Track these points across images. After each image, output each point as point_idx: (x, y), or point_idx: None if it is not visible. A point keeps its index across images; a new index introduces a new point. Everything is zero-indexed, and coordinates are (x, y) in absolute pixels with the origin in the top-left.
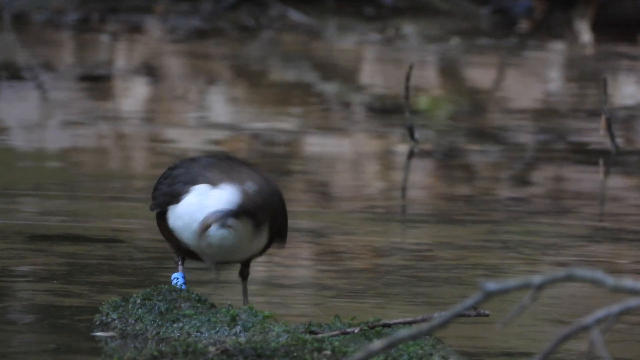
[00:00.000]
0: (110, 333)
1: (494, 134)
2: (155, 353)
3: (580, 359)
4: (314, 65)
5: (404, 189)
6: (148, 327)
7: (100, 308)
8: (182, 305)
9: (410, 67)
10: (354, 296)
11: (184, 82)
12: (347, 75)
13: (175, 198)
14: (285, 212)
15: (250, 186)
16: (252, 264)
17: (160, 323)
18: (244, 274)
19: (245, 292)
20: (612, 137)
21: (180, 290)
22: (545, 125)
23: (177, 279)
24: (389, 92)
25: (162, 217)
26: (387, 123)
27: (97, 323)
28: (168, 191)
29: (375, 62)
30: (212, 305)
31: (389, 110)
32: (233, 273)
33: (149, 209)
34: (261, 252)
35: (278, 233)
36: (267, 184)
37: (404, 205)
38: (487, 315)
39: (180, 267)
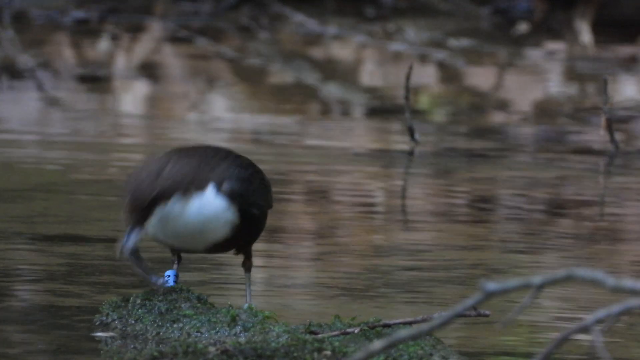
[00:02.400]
0: (110, 333)
1: (494, 134)
2: (155, 353)
3: (581, 359)
4: (313, 65)
5: (403, 189)
6: (148, 328)
7: (100, 308)
8: (182, 305)
9: (410, 67)
10: (354, 296)
11: (184, 82)
12: (347, 76)
13: None
14: (257, 187)
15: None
16: (252, 265)
17: (160, 323)
18: (247, 266)
19: (248, 286)
20: (612, 137)
21: (181, 290)
22: (545, 125)
23: (169, 276)
24: (389, 92)
25: None
26: (387, 123)
27: (97, 323)
28: None
29: (375, 62)
30: (212, 306)
31: (389, 110)
32: (233, 273)
33: None
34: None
35: (250, 206)
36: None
37: (404, 205)
38: (487, 316)
39: (175, 266)
